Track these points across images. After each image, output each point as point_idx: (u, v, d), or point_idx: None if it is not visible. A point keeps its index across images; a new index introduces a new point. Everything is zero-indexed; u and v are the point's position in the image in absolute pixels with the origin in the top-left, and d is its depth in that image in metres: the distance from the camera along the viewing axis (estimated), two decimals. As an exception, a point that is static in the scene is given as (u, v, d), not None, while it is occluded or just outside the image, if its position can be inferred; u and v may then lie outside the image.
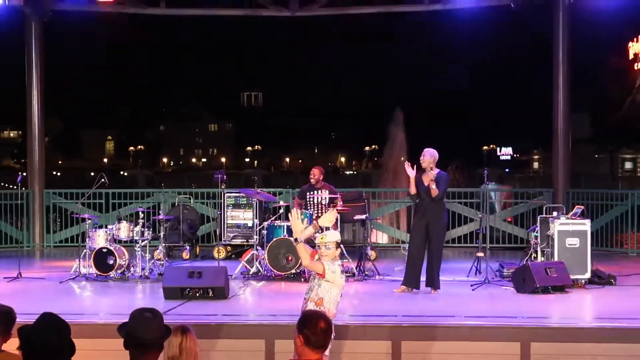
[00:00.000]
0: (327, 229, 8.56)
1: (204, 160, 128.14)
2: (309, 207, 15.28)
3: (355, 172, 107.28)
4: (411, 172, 12.94)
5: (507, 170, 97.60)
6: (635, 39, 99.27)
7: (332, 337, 7.23)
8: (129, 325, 5.47)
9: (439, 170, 13.14)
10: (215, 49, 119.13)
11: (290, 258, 14.13)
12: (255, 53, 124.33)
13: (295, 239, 8.37)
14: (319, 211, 14.97)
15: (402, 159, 35.36)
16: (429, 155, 13.07)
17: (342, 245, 8.78)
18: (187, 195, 19.10)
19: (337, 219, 14.44)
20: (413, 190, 13.07)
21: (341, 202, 15.13)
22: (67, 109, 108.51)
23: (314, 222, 8.73)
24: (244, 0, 19.79)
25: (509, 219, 19.63)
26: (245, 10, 20.33)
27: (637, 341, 10.15)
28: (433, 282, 13.15)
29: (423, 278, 13.21)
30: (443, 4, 19.81)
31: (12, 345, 6.27)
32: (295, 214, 8.40)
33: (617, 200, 18.54)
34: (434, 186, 12.85)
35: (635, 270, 15.73)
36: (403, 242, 17.59)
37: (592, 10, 20.69)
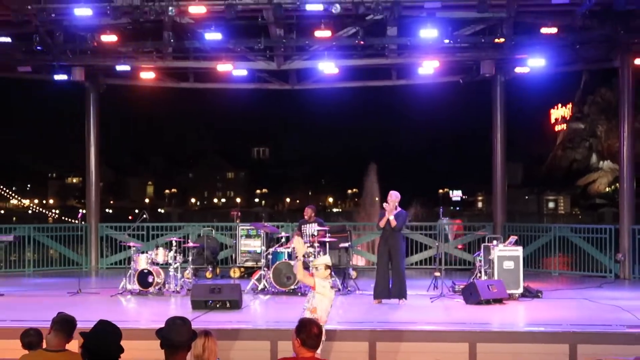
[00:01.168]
0: (320, 253, 8.55)
1: (223, 200, 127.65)
2: (303, 237, 15.23)
3: (340, 210, 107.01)
4: (387, 213, 13.07)
5: (457, 208, 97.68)
6: (556, 107, 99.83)
7: (323, 339, 7.21)
8: (164, 329, 5.45)
9: (400, 209, 13.25)
10: (232, 113, 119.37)
11: (289, 277, 14.09)
12: (264, 117, 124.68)
13: (296, 257, 8.44)
14: (310, 239, 14.89)
15: (377, 198, 35.44)
16: (395, 196, 13.23)
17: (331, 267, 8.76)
18: (210, 228, 19.02)
19: (327, 246, 14.46)
20: (383, 224, 13.20)
21: (329, 235, 15.11)
22: (117, 160, 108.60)
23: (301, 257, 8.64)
24: (254, 76, 19.85)
25: (460, 247, 19.63)
26: (255, 84, 20.43)
27: (559, 342, 10.15)
28: (400, 294, 13.14)
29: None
30: (407, 80, 19.96)
31: (73, 346, 6.25)
32: (298, 240, 8.57)
33: (543, 232, 18.55)
34: (392, 217, 13.03)
35: (557, 286, 15.73)
36: (377, 264, 17.49)
37: (523, 85, 20.89)
